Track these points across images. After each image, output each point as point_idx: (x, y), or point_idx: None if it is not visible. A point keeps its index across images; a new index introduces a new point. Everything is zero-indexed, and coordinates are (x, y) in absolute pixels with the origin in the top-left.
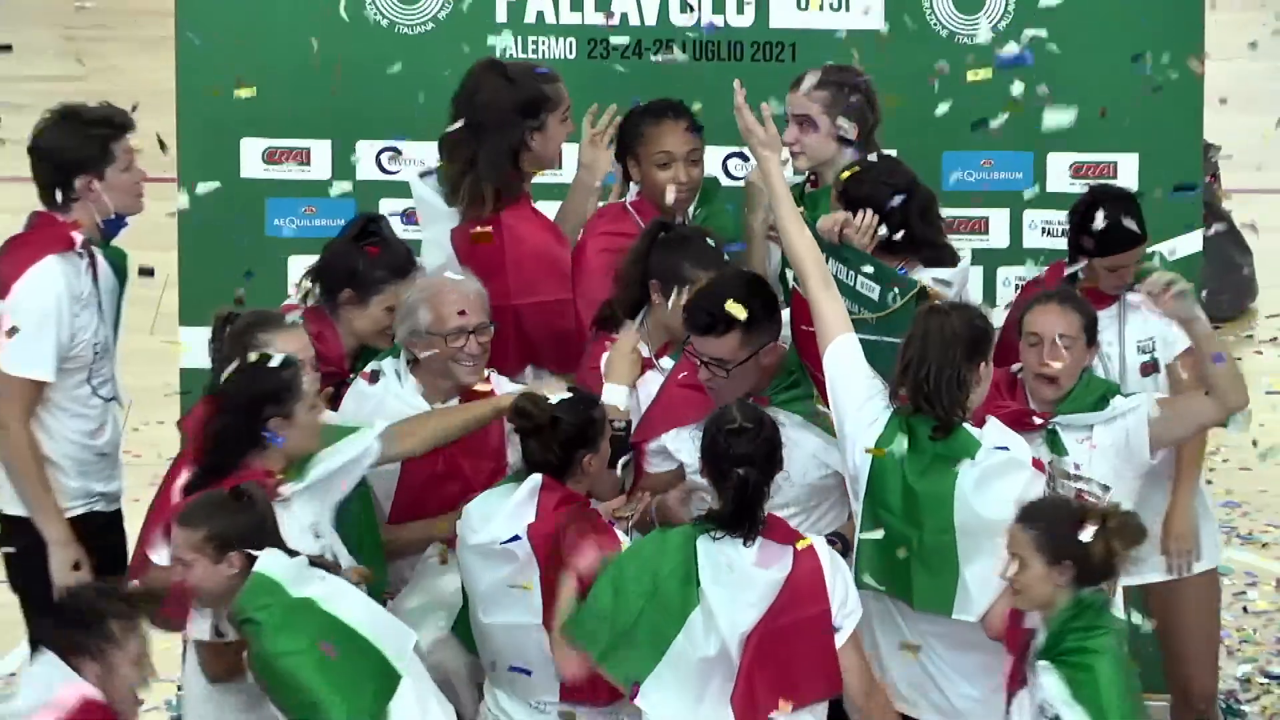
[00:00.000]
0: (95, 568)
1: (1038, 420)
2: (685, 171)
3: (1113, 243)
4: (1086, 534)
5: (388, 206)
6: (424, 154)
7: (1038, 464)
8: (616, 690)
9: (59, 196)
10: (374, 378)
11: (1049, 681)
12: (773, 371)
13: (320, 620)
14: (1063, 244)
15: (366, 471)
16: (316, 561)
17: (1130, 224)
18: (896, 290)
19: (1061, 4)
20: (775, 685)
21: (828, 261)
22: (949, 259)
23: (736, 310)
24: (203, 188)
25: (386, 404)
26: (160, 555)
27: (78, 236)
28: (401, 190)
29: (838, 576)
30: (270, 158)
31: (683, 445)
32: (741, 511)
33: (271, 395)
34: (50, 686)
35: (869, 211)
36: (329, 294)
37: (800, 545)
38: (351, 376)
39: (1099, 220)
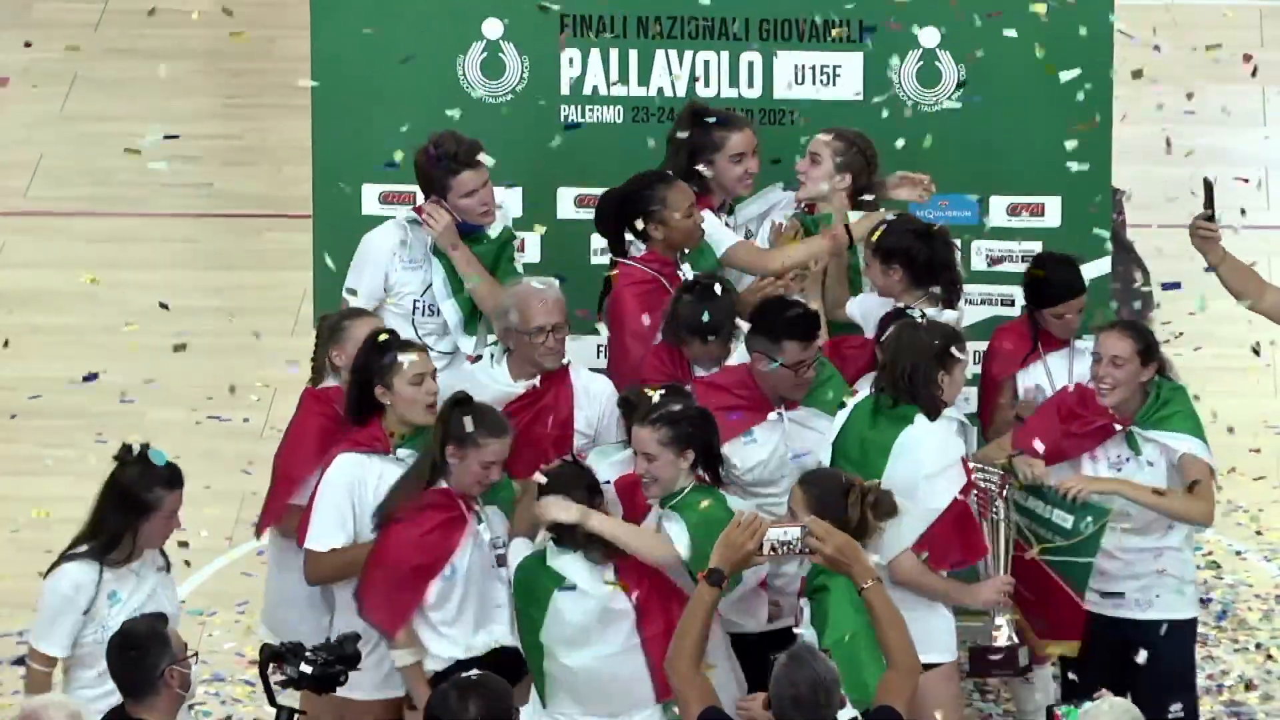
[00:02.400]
0: None
1: (1118, 426)
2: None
3: (1049, 296)
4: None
5: None
6: (503, 196)
7: (965, 463)
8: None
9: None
10: (476, 359)
11: (806, 614)
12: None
13: None
14: (1002, 266)
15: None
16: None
17: (1065, 280)
18: (1090, 519)
19: (1001, 84)
20: None
21: (1028, 499)
22: (959, 284)
23: (814, 316)
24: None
25: (478, 379)
26: (301, 495)
27: (405, 218)
28: None
29: None
30: (385, 199)
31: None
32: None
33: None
34: None
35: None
36: None
37: None
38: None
39: (1041, 277)
